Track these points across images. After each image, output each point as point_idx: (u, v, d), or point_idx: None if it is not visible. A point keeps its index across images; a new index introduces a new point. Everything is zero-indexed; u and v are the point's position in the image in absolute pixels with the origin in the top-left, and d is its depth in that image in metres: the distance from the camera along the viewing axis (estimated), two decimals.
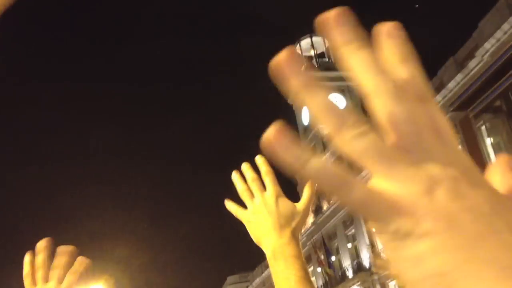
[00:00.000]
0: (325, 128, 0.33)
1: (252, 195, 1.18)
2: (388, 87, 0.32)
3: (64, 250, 1.32)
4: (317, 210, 33.54)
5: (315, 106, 0.34)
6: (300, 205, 1.17)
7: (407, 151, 0.31)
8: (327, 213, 32.13)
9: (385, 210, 0.30)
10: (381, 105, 0.32)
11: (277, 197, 1.16)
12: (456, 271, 0.27)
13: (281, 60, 0.32)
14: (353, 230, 30.39)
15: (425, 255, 0.28)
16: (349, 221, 30.32)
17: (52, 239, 1.32)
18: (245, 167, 1.19)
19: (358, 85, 0.33)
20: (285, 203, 1.16)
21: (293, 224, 1.14)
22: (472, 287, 0.27)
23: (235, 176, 1.20)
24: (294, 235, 1.13)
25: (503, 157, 0.37)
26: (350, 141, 0.33)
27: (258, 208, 1.16)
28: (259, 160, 1.19)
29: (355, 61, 0.33)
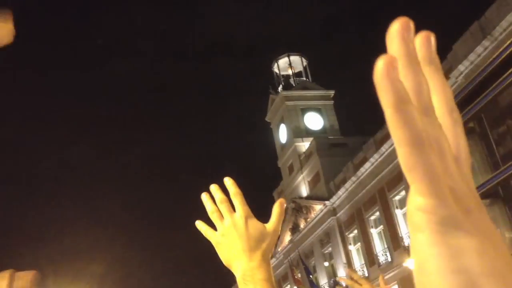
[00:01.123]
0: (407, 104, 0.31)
1: (221, 216, 1.17)
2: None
3: (23, 276, 1.33)
4: (294, 229, 33.53)
5: (413, 81, 0.33)
6: (270, 225, 1.16)
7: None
8: (304, 231, 32.15)
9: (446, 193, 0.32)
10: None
11: (246, 218, 1.15)
12: (488, 277, 0.30)
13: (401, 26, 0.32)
14: (330, 249, 30.42)
15: (468, 251, 0.31)
16: (326, 239, 30.37)
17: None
18: (214, 188, 1.19)
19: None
20: (255, 224, 1.15)
21: (263, 245, 1.13)
22: None
23: (204, 197, 1.19)
24: (264, 257, 1.12)
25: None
26: (425, 126, 0.32)
27: (228, 230, 1.15)
28: (228, 181, 1.19)
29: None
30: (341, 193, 28.70)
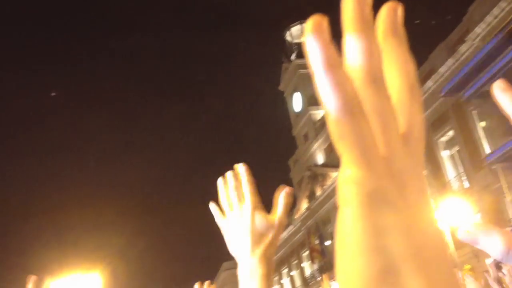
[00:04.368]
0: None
1: (231, 204, 1.15)
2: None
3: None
4: (311, 196, 33.74)
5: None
6: (275, 218, 1.14)
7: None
8: (321, 198, 32.34)
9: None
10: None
11: (253, 210, 1.12)
12: (409, 262, 0.28)
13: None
14: None
15: (394, 229, 0.29)
16: None
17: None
18: (229, 175, 1.16)
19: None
20: (261, 217, 1.13)
21: (267, 240, 1.11)
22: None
23: (219, 183, 1.17)
24: (266, 252, 1.10)
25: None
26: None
27: (235, 221, 1.14)
28: (240, 168, 1.16)
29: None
30: None
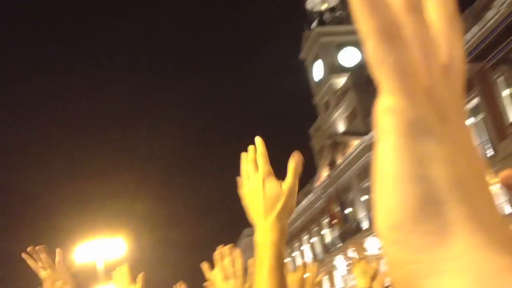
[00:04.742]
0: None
1: (248, 175, 1.21)
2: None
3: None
4: (332, 164, 33.76)
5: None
6: (285, 185, 1.18)
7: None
8: (341, 166, 32.34)
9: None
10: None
11: (265, 178, 1.18)
12: (452, 190, 0.27)
13: None
14: (368, 183, 30.55)
15: (436, 159, 0.27)
16: (364, 174, 30.52)
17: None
18: (250, 148, 1.22)
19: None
20: (272, 184, 1.17)
21: (278, 206, 1.15)
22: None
23: (242, 156, 1.24)
24: (279, 218, 1.15)
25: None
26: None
27: (250, 189, 1.20)
28: (257, 141, 1.22)
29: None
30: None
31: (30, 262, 2.30)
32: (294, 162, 1.18)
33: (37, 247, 2.30)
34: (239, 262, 2.03)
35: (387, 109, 0.28)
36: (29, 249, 2.30)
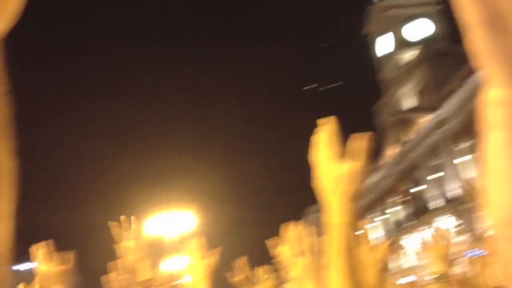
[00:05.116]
0: None
1: (320, 156, 1.21)
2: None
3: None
4: (398, 142, 32.94)
5: None
6: (357, 166, 1.18)
7: None
8: (410, 144, 31.50)
9: None
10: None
11: (338, 159, 1.18)
12: None
13: None
14: (439, 161, 29.68)
15: None
16: (433, 152, 29.60)
17: None
18: (323, 129, 1.22)
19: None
20: (345, 165, 1.17)
21: (351, 187, 1.16)
22: None
23: (315, 137, 1.23)
24: (352, 199, 1.16)
25: None
26: None
27: (323, 171, 1.20)
28: (330, 121, 1.21)
29: None
30: (450, 104, 27.46)
31: (116, 231, 2.37)
32: (365, 143, 1.18)
33: (132, 217, 2.38)
34: (309, 240, 2.01)
35: (497, 102, 0.27)
36: (122, 217, 2.38)
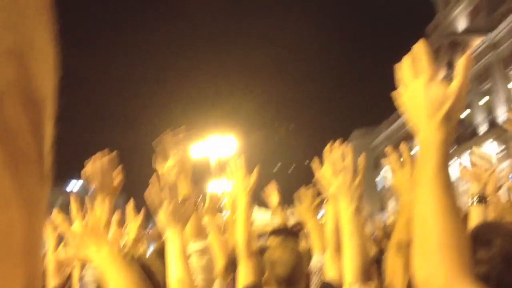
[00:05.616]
0: None
1: (410, 77, 1.18)
2: None
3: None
4: (450, 65, 31.82)
5: None
6: (453, 85, 1.14)
7: None
8: None
9: None
10: None
11: (428, 81, 1.14)
12: None
13: None
14: (488, 85, 28.68)
15: None
16: (484, 75, 28.52)
17: None
18: (411, 54, 1.18)
19: None
20: (437, 87, 1.14)
21: (445, 107, 1.12)
22: None
23: (400, 64, 1.20)
24: (446, 119, 1.12)
25: None
26: None
27: (409, 95, 1.17)
28: (419, 44, 1.18)
29: None
30: (504, 25, 26.07)
31: (168, 143, 2.38)
32: (464, 63, 1.14)
33: (176, 137, 2.39)
34: (349, 158, 2.01)
35: None
36: (166, 136, 2.38)
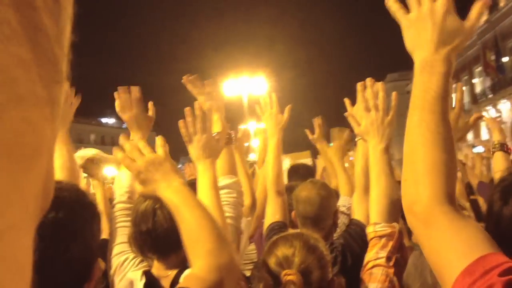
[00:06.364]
0: None
1: (419, 2, 1.15)
2: None
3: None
4: (493, 7, 30.37)
5: None
6: (468, 23, 1.13)
7: None
8: (505, 9, 29.00)
9: None
10: None
11: (446, 11, 1.12)
12: None
13: None
14: None
15: None
16: None
17: None
18: None
19: None
20: (453, 19, 1.12)
21: (455, 42, 1.11)
22: None
23: None
24: (451, 54, 1.11)
25: None
26: None
27: (423, 16, 1.13)
28: None
29: None
30: None
31: (191, 87, 2.40)
32: (480, 4, 1.13)
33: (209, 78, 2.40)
34: (381, 95, 1.99)
35: None
36: (197, 75, 2.40)
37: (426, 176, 1.04)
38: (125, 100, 2.23)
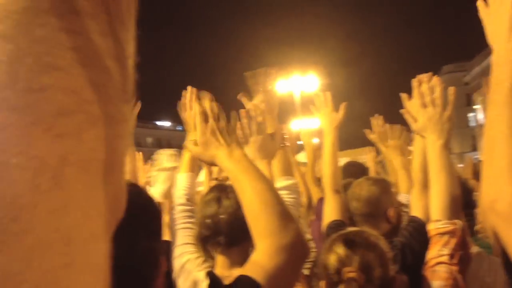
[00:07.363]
0: None
1: None
2: None
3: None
4: None
5: None
6: None
7: None
8: None
9: None
10: None
11: None
12: None
13: None
14: None
15: None
16: None
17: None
18: None
19: None
20: None
21: None
22: None
23: None
24: None
25: None
26: None
27: (496, 8, 1.13)
28: None
29: None
30: None
31: (252, 82, 2.41)
32: None
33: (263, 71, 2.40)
34: (438, 90, 1.95)
35: None
36: (258, 71, 2.40)
37: (507, 173, 1.01)
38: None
